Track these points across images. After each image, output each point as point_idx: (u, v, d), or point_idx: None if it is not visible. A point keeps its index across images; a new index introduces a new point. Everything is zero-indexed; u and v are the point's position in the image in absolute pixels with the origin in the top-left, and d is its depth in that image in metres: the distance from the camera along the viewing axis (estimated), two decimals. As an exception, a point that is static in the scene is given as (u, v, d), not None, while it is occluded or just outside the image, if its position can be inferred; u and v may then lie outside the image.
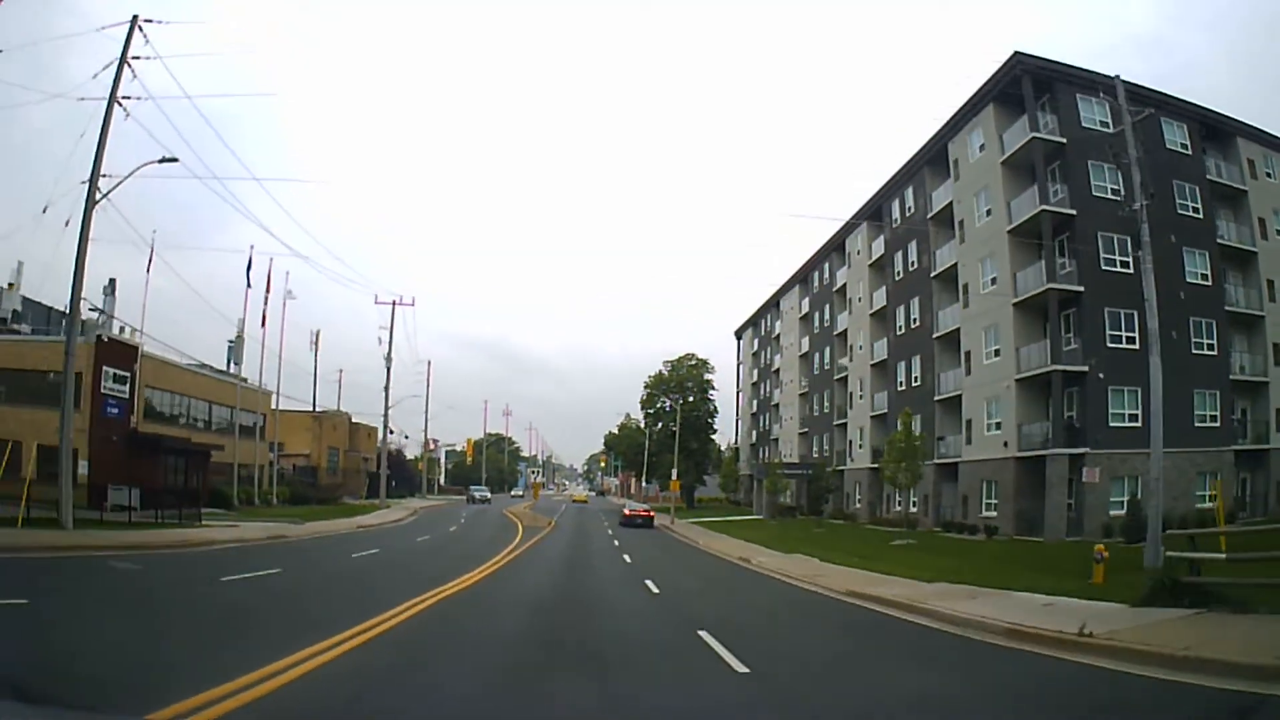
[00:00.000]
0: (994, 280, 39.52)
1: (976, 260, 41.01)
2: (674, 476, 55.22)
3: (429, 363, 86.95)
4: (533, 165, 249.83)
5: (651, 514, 51.19)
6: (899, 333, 48.71)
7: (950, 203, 43.72)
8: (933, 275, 44.82)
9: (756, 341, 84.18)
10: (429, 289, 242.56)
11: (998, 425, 38.35)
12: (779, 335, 74.53)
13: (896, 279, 49.48)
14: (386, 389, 56.91)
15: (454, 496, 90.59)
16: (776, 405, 73.96)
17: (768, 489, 53.30)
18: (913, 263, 47.86)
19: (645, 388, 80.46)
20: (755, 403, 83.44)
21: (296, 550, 23.62)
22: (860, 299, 54.63)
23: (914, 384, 46.42)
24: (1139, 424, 33.31)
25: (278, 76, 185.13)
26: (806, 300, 66.40)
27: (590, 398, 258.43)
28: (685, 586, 19.25)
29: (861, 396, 53.36)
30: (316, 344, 74.25)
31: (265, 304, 50.42)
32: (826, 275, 61.78)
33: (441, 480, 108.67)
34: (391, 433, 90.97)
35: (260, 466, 52.75)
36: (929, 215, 45.79)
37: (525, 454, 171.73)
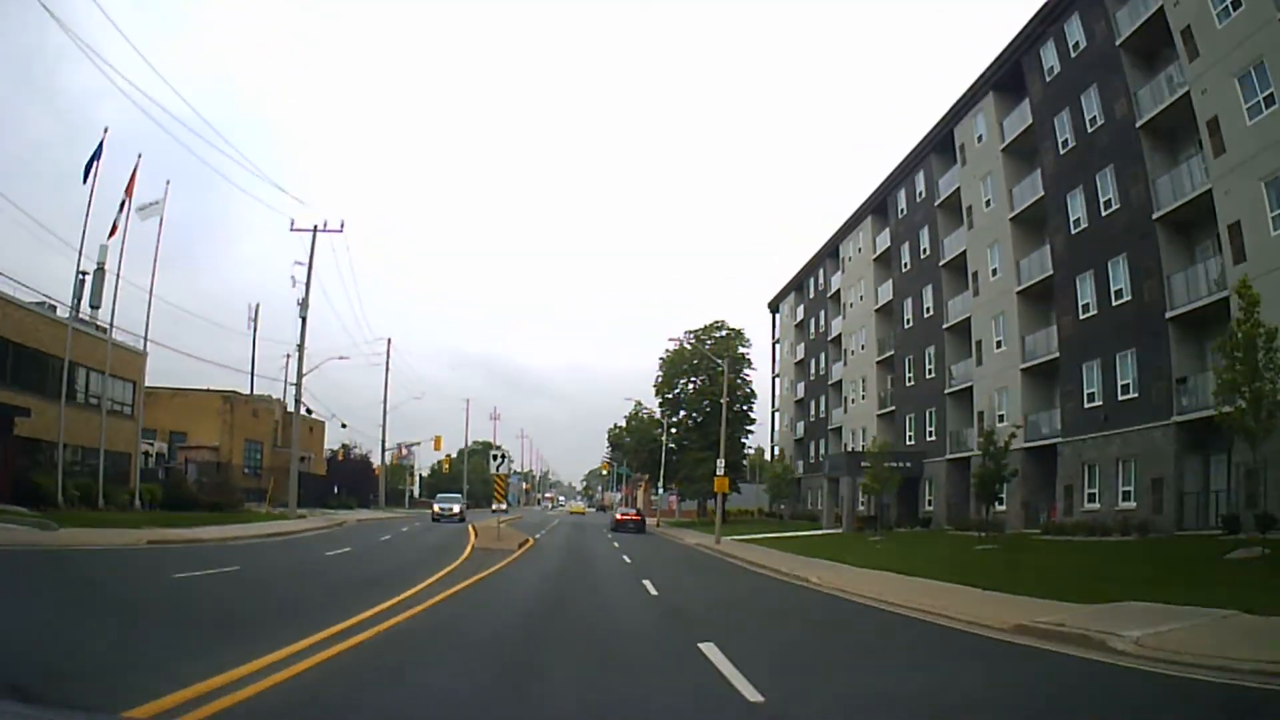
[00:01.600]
0: (1270, 100, 22.78)
1: (1227, 78, 24.17)
2: (719, 470, 37.09)
3: (389, 341, 70.22)
4: (522, 166, 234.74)
5: (640, 517, 49.83)
6: (1075, 229, 31.33)
7: (1158, 12, 26.93)
8: (1139, 125, 27.75)
9: (802, 309, 66.46)
10: (426, 300, 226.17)
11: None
12: (838, 292, 56.96)
13: (1064, 150, 32.16)
14: (300, 346, 39.51)
15: (426, 510, 72.74)
16: (838, 383, 56.26)
17: (868, 488, 35.58)
18: (1092, 119, 30.65)
19: (661, 367, 62.90)
20: (802, 386, 65.72)
21: None
22: (988, 203, 37.31)
23: (1115, 302, 28.98)
24: None
25: (272, 80, 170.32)
26: (885, 233, 48.90)
27: (588, 415, 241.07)
28: None
29: (1000, 344, 35.84)
30: (256, 319, 57.58)
31: (123, 208, 33.29)
32: (920, 188, 44.45)
33: (415, 490, 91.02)
34: (350, 429, 73.48)
35: (126, 454, 35.92)
36: (1119, 41, 28.87)
37: (519, 468, 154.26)
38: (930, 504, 40.73)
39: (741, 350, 59.91)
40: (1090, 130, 30.87)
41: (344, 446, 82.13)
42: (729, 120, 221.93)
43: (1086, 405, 29.98)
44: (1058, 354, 31.69)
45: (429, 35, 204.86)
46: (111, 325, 36.05)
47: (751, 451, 76.24)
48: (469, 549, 23.11)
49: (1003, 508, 34.16)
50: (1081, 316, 30.60)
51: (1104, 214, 29.94)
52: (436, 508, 49.65)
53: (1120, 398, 28.47)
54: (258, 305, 58.88)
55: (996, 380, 35.62)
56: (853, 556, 23.77)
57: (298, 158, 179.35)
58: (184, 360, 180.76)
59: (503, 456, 29.15)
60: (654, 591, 14.91)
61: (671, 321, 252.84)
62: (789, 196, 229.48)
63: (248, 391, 57.02)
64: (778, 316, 73.91)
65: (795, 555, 25.75)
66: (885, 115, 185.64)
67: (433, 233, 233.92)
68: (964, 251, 38.83)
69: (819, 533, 40.68)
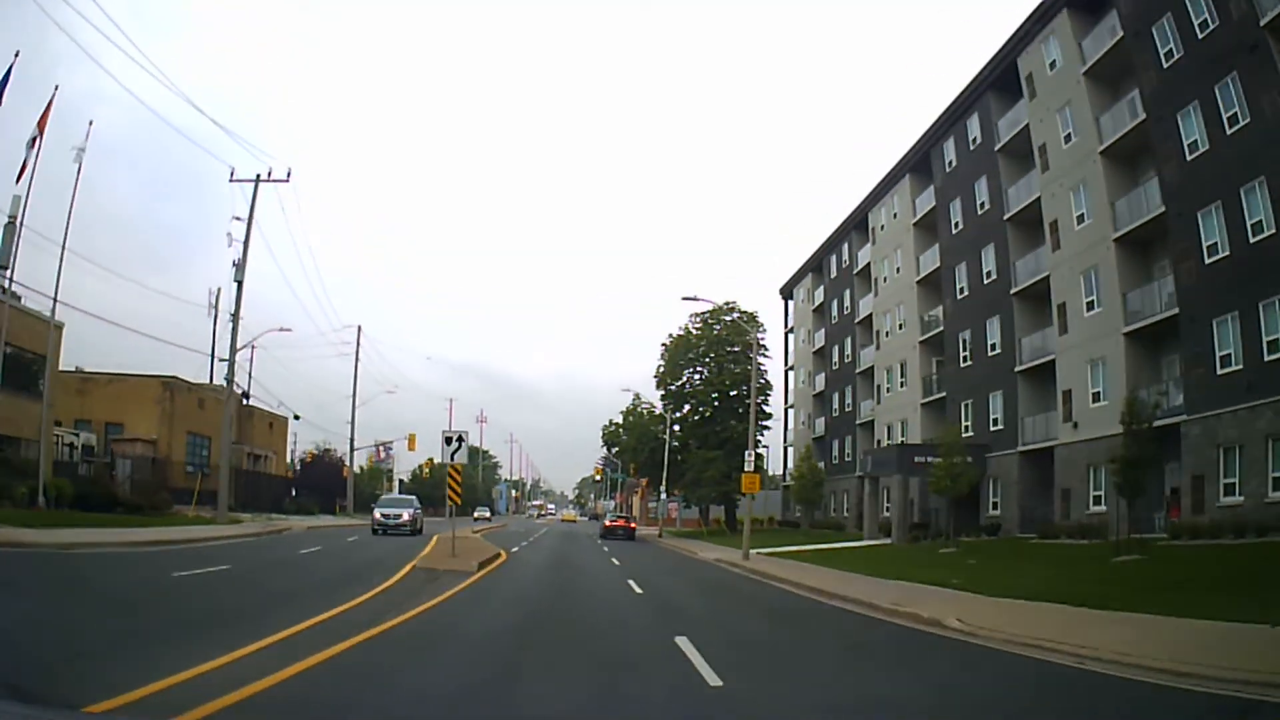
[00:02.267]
0: None
1: None
2: (747, 465, 29.95)
3: (359, 329, 63.75)
4: (520, 166, 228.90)
5: (628, 523, 47.39)
6: (1191, 154, 24.83)
7: None
8: (1263, 24, 21.53)
9: (822, 290, 59.81)
10: (416, 307, 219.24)
11: None
12: (867, 266, 50.40)
13: (1168, 63, 25.67)
14: (235, 315, 32.83)
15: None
16: (868, 370, 49.67)
17: (936, 486, 28.94)
18: (1203, 23, 24.27)
19: (663, 355, 56.02)
20: (822, 378, 59.08)
21: None
22: (1068, 138, 30.94)
23: (1254, 237, 22.51)
24: None
25: (272, 80, 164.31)
26: (929, 192, 42.42)
27: (582, 422, 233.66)
28: None
29: (1092, 305, 29.35)
30: (216, 305, 50.81)
31: (34, 144, 27.91)
32: (975, 134, 37.99)
33: (395, 495, 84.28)
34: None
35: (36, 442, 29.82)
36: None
37: (508, 476, 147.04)
38: (995, 507, 34.11)
39: (758, 335, 53.23)
40: (1202, 36, 24.54)
41: (323, 450, 75.44)
42: (728, 117, 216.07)
43: (1220, 371, 23.53)
44: (1175, 310, 25.26)
45: (429, 36, 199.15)
46: (11, 279, 30.00)
47: (761, 451, 69.45)
48: (406, 569, 16.50)
49: (1101, 508, 27.72)
50: (1208, 260, 24.14)
51: (1229, 131, 23.59)
52: (378, 514, 35.99)
53: (1268, 357, 22.09)
54: (219, 289, 51.57)
55: (1088, 350, 29.09)
56: (958, 579, 17.12)
57: (297, 156, 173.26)
58: (153, 351, 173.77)
59: (460, 440, 21.24)
60: (716, 680, 7.27)
61: (670, 324, 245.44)
62: (790, 195, 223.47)
63: (209, 381, 50.15)
64: (791, 303, 67.35)
65: (869, 577, 18.76)
66: (895, 96, 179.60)
67: (432, 234, 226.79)
68: (1037, 199, 32.35)
69: (865, 544, 34.06)
